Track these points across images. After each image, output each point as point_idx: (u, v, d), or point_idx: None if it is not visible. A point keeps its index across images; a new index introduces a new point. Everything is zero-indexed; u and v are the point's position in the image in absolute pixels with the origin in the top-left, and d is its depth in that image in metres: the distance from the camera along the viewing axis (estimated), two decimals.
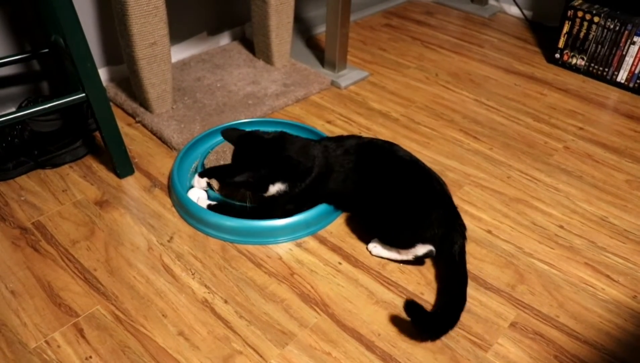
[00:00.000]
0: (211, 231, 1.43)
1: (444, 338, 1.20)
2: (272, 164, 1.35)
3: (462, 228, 1.34)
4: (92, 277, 1.31)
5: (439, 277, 1.34)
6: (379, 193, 1.36)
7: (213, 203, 1.49)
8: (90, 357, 1.14)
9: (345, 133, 1.85)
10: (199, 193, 1.50)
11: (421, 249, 1.33)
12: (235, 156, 1.39)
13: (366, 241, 1.43)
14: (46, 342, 1.17)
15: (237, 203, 1.48)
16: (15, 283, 1.29)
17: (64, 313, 1.23)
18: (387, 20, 2.77)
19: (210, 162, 1.63)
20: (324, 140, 1.47)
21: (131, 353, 1.15)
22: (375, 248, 1.40)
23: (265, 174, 1.35)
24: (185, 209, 1.47)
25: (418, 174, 1.38)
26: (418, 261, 1.37)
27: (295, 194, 1.39)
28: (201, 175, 1.51)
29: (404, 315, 1.24)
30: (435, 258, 1.36)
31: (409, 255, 1.35)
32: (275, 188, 1.37)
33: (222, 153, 1.66)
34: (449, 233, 1.31)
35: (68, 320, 1.21)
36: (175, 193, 1.50)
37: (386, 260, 1.39)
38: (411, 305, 1.20)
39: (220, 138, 1.75)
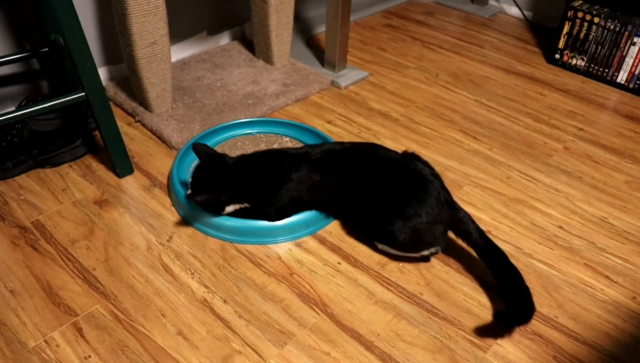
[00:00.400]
0: (211, 231, 1.43)
1: (443, 339, 1.20)
2: (233, 190, 1.37)
3: (466, 216, 1.33)
4: (91, 276, 1.31)
5: (483, 268, 1.31)
6: (370, 201, 1.35)
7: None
8: (90, 356, 1.14)
9: (345, 133, 1.85)
10: None
11: (426, 252, 1.35)
12: (197, 172, 1.40)
13: (365, 242, 1.43)
14: (45, 341, 1.16)
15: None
16: (14, 282, 1.29)
17: (63, 313, 1.22)
18: (388, 20, 2.77)
19: None
20: (303, 149, 1.47)
21: (130, 353, 1.15)
22: (380, 244, 1.41)
23: (224, 201, 1.37)
24: (184, 209, 1.47)
25: (405, 176, 1.36)
26: (424, 258, 1.38)
27: (276, 206, 1.40)
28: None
29: (403, 315, 1.25)
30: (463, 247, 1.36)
31: (415, 254, 1.37)
32: (234, 206, 1.39)
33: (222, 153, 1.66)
34: (456, 225, 1.32)
35: (67, 320, 1.21)
36: (174, 192, 1.50)
37: (386, 260, 1.39)
38: (500, 315, 1.24)
39: (219, 137, 1.75)
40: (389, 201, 1.32)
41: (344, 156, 1.42)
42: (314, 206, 1.44)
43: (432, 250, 1.34)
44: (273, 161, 1.43)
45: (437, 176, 1.37)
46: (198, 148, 1.39)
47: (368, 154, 1.42)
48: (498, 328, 1.23)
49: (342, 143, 1.49)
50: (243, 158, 1.45)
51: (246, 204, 1.40)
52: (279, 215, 1.41)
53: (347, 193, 1.39)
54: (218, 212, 1.40)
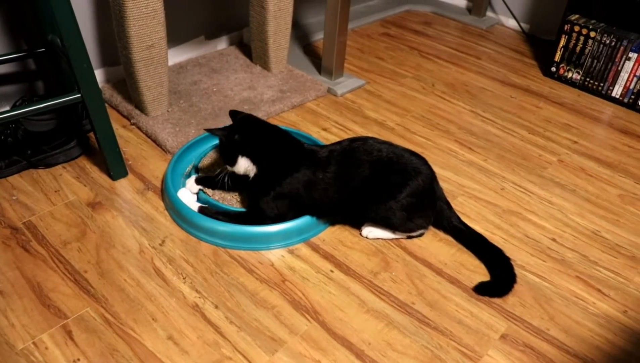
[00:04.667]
0: (203, 236, 1.43)
1: (434, 349, 1.20)
2: (246, 136, 1.41)
3: (447, 204, 1.50)
4: (82, 279, 1.30)
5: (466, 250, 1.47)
6: (369, 192, 1.40)
7: (204, 205, 1.48)
8: (79, 359, 1.13)
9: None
10: (189, 195, 1.50)
11: (415, 233, 1.48)
12: (229, 127, 1.46)
13: (358, 250, 1.43)
14: (34, 343, 1.16)
15: (226, 207, 1.48)
16: (4, 283, 1.28)
17: (53, 315, 1.22)
18: (385, 30, 2.78)
19: (204, 166, 1.62)
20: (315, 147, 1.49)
21: (120, 357, 1.14)
22: (370, 232, 1.46)
23: (237, 141, 1.40)
24: (178, 213, 1.47)
25: (398, 168, 1.41)
26: (410, 237, 1.49)
27: (276, 194, 1.41)
28: (197, 181, 1.53)
29: (394, 324, 1.24)
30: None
31: (403, 235, 1.47)
32: (244, 163, 1.41)
33: (218, 158, 1.65)
34: (441, 212, 1.48)
35: (57, 322, 1.20)
36: (168, 196, 1.49)
37: (379, 269, 1.38)
38: (480, 287, 1.35)
39: (214, 142, 1.75)
40: (385, 190, 1.39)
41: (344, 156, 1.43)
42: (310, 208, 1.44)
43: (422, 231, 1.48)
44: (290, 141, 1.47)
45: (430, 170, 1.46)
46: (233, 113, 1.48)
47: (364, 151, 1.43)
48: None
49: (340, 143, 1.50)
50: (269, 124, 1.50)
51: (254, 169, 1.41)
52: (273, 207, 1.42)
53: (347, 189, 1.41)
54: (232, 161, 1.41)
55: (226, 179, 1.48)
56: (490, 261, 1.42)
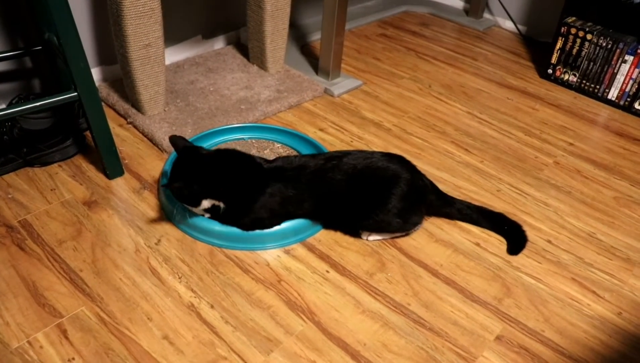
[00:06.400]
0: (200, 236, 1.43)
1: (429, 350, 1.20)
2: (204, 181, 1.33)
3: (435, 192, 1.54)
4: (77, 278, 1.30)
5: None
6: (356, 203, 1.41)
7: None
8: (73, 358, 1.13)
9: (337, 141, 1.85)
10: None
11: (413, 230, 1.51)
12: (174, 164, 1.38)
13: (354, 251, 1.43)
14: (28, 342, 1.15)
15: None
16: None
17: (48, 314, 1.21)
18: (383, 30, 2.78)
19: None
20: (277, 162, 1.46)
21: (115, 356, 1.14)
22: (370, 234, 1.47)
23: (196, 191, 1.33)
24: (174, 212, 1.46)
25: (381, 177, 1.41)
26: (408, 234, 1.52)
27: (251, 219, 1.39)
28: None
29: (390, 325, 1.24)
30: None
31: (402, 233, 1.49)
32: (208, 203, 1.35)
33: None
34: (431, 203, 1.52)
35: (52, 321, 1.20)
36: (165, 196, 1.49)
37: (374, 269, 1.39)
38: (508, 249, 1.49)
39: (212, 141, 1.75)
40: (371, 204, 1.40)
41: (317, 171, 1.41)
42: (295, 216, 1.44)
43: (417, 227, 1.51)
44: (248, 167, 1.41)
45: (409, 170, 1.45)
46: (175, 140, 1.39)
47: (342, 166, 1.41)
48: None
49: (314, 156, 1.47)
50: (219, 152, 1.42)
51: (221, 204, 1.36)
52: (253, 226, 1.41)
53: (330, 202, 1.41)
54: (195, 204, 1.35)
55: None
56: (501, 227, 1.53)
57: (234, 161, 1.40)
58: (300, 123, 1.95)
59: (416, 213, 1.46)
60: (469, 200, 1.63)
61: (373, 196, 1.39)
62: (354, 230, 1.48)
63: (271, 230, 1.41)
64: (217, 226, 1.40)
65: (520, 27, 2.84)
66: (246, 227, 1.41)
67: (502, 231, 1.53)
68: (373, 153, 1.47)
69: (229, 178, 1.36)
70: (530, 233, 1.54)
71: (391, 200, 1.38)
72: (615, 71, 2.19)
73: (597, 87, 2.26)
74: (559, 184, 1.75)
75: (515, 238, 1.51)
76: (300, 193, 1.39)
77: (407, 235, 1.49)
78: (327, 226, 1.50)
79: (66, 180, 1.60)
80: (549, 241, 1.52)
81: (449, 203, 1.55)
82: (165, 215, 1.50)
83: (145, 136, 1.80)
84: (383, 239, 1.48)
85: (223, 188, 1.35)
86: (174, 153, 1.62)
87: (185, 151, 1.39)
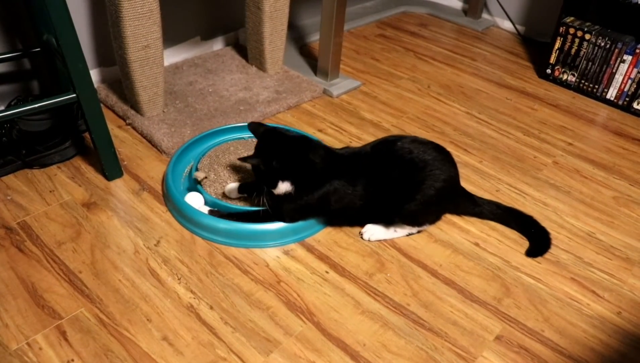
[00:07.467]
0: (201, 232, 1.43)
1: (428, 350, 1.20)
2: (285, 160, 1.36)
3: (467, 196, 1.57)
4: (76, 279, 1.30)
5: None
6: (393, 195, 1.42)
7: (213, 209, 1.48)
8: (73, 360, 1.12)
9: (336, 142, 1.85)
10: (196, 199, 1.49)
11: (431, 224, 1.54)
12: (257, 148, 1.41)
13: (353, 251, 1.43)
14: (28, 343, 1.15)
15: (237, 208, 1.48)
16: None
17: (47, 315, 1.21)
18: (381, 31, 2.78)
19: (203, 166, 1.62)
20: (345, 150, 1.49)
21: (114, 358, 1.13)
22: (373, 235, 1.47)
23: (276, 168, 1.35)
24: (178, 210, 1.47)
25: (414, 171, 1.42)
26: (410, 234, 1.51)
27: (304, 204, 1.39)
28: (240, 190, 1.53)
29: (389, 325, 1.24)
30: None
31: (413, 230, 1.50)
32: (284, 186, 1.36)
33: (215, 157, 1.65)
34: (465, 204, 1.57)
35: (51, 322, 1.20)
36: (171, 196, 1.49)
37: (374, 270, 1.39)
38: (528, 252, 1.49)
39: (213, 141, 1.75)
40: (406, 192, 1.41)
41: (373, 163, 1.43)
42: (329, 215, 1.46)
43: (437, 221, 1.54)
44: (325, 158, 1.42)
45: (455, 166, 1.48)
46: (254, 127, 1.43)
47: (392, 155, 1.43)
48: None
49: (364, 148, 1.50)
50: (301, 136, 1.44)
51: (293, 189, 1.37)
52: (294, 219, 1.43)
53: (374, 198, 1.42)
54: (272, 186, 1.37)
55: (266, 199, 1.42)
56: (527, 229, 1.54)
57: (310, 146, 1.41)
58: (299, 124, 1.95)
59: (446, 210, 1.54)
60: None
61: (417, 188, 1.39)
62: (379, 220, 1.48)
63: (270, 227, 1.41)
64: (219, 223, 1.41)
65: (518, 27, 2.84)
66: (292, 214, 1.41)
67: (528, 233, 1.53)
68: (427, 142, 1.47)
69: (308, 162, 1.38)
70: None
71: (436, 194, 1.40)
72: (614, 70, 2.19)
73: (596, 87, 2.26)
74: (558, 184, 1.75)
75: (539, 242, 1.51)
76: (357, 192, 1.40)
77: (409, 235, 1.50)
78: (358, 223, 1.51)
79: (65, 182, 1.59)
80: None
81: (477, 203, 1.57)
82: (173, 216, 1.50)
83: (144, 137, 1.80)
84: (385, 239, 1.47)
85: (301, 172, 1.37)
86: (176, 155, 1.62)
87: (266, 134, 1.42)
